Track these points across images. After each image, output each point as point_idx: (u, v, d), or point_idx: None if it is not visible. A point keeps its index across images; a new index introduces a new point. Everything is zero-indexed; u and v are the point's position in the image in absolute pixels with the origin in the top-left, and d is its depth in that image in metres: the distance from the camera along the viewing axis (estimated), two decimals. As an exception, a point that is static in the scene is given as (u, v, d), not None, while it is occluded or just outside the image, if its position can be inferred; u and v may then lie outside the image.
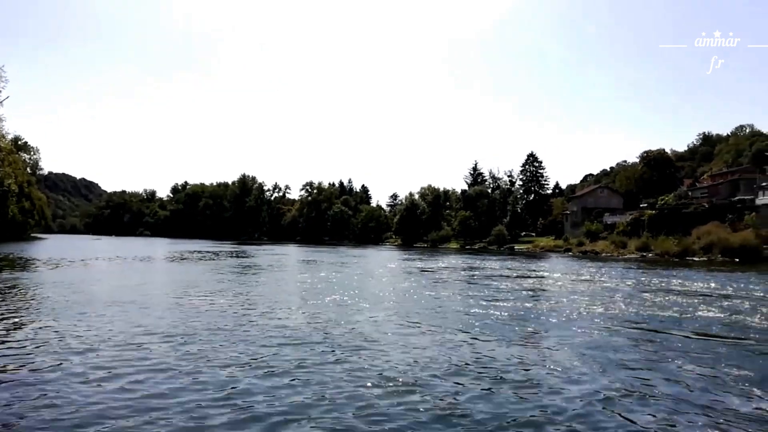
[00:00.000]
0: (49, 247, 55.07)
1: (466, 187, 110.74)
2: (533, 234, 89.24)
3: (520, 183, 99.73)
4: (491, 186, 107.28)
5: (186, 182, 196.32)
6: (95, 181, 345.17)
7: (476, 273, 27.33)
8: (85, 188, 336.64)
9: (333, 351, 8.81)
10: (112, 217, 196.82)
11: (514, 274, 26.35)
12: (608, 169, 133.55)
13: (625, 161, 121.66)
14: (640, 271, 29.71)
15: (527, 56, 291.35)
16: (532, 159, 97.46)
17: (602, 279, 23.95)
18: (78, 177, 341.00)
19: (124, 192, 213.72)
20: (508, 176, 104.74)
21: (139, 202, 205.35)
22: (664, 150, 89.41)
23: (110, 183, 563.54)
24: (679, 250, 45.31)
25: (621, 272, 28.31)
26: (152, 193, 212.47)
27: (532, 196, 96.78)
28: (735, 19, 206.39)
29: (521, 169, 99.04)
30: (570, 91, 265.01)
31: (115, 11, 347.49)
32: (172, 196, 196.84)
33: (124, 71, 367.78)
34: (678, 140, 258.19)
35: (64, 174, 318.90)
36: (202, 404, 6.06)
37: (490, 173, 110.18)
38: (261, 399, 6.30)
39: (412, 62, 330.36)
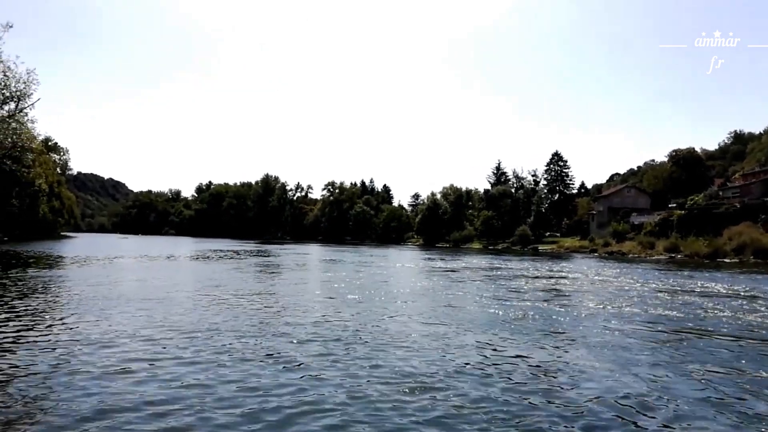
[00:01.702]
0: (78, 246, 56.21)
1: (488, 186, 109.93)
2: (558, 234, 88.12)
3: (545, 182, 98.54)
4: (515, 186, 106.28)
5: (210, 182, 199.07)
6: (122, 181, 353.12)
7: (499, 273, 26.96)
8: (113, 188, 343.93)
9: (353, 348, 8.70)
10: (139, 217, 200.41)
11: (538, 275, 25.92)
12: (635, 169, 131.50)
13: (653, 160, 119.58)
14: (669, 272, 28.99)
15: (533, 56, 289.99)
16: (556, 158, 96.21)
17: (628, 280, 23.40)
18: (106, 177, 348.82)
19: (150, 192, 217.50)
20: (532, 176, 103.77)
21: (164, 201, 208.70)
22: (693, 149, 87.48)
23: (137, 183, 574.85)
24: (709, 251, 44.16)
25: (648, 273, 27.66)
26: (177, 193, 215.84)
27: (557, 195, 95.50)
28: (735, 19, 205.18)
29: (545, 168, 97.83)
30: (589, 90, 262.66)
31: (130, 11, 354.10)
32: (196, 195, 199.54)
33: (145, 72, 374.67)
34: (708, 139, 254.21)
35: (92, 174, 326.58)
36: (224, 397, 6.05)
37: (514, 173, 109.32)
38: (282, 393, 6.28)
39: (430, 61, 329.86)
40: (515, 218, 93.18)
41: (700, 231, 48.86)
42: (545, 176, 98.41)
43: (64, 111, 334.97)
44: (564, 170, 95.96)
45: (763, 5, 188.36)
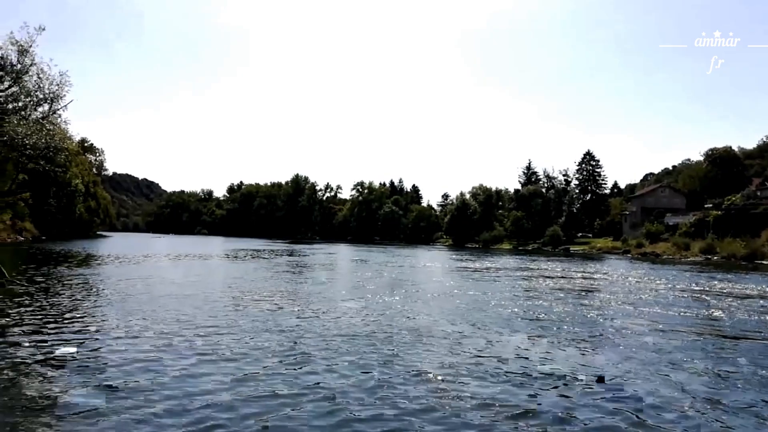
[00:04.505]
0: (113, 245, 57.65)
1: (519, 186, 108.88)
2: (590, 235, 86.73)
3: (576, 182, 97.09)
4: (545, 185, 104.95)
5: (241, 182, 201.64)
6: (156, 181, 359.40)
7: (529, 274, 26.65)
8: (147, 188, 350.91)
9: (376, 346, 8.73)
10: (172, 216, 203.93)
11: (568, 276, 25.53)
12: (670, 168, 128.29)
13: (689, 159, 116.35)
14: (704, 274, 28.21)
15: (550, 57, 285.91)
16: (588, 158, 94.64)
17: (662, 282, 22.84)
18: (140, 177, 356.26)
19: (183, 192, 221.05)
20: (564, 175, 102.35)
21: (197, 201, 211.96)
22: (730, 147, 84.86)
23: (170, 183, 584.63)
24: (746, 252, 42.85)
25: (681, 275, 26.96)
26: (209, 193, 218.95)
27: (589, 195, 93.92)
28: (735, 19, 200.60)
29: (577, 168, 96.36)
30: (616, 90, 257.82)
31: (162, 13, 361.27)
32: (228, 195, 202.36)
33: (178, 74, 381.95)
34: (747, 138, 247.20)
35: (127, 174, 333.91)
36: (245, 393, 6.10)
37: (545, 172, 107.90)
38: (303, 389, 6.33)
39: (457, 61, 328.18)
40: (546, 219, 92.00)
41: (738, 232, 47.47)
42: (577, 176, 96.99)
43: (99, 113, 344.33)
44: (596, 170, 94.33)
45: (763, 5, 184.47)
